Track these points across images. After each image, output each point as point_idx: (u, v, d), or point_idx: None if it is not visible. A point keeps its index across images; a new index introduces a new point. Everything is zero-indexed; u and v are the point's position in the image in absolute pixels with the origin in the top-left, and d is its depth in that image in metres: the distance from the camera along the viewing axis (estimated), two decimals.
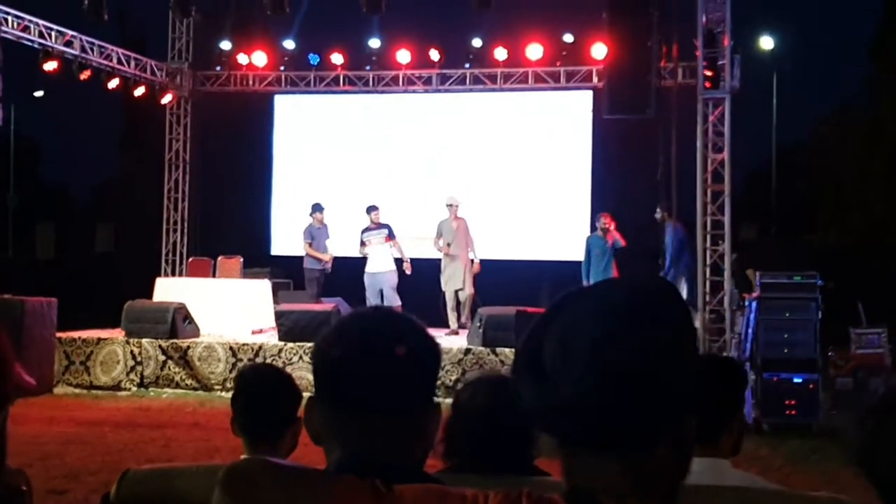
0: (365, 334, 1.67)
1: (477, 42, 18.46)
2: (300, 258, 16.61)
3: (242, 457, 3.24)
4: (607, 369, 1.26)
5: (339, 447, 1.63)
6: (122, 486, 2.82)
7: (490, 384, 2.88)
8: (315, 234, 16.05)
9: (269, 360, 13.43)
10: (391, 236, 15.53)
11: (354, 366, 1.63)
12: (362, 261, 15.81)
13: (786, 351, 11.32)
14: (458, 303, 15.44)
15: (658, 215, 15.02)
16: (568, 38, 18.09)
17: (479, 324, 13.51)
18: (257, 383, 3.31)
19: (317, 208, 16.34)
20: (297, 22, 18.49)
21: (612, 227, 15.20)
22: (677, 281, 14.30)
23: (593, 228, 15.74)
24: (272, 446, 3.17)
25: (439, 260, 15.67)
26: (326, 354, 1.68)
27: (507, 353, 12.75)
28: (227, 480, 1.50)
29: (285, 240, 19.81)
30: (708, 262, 13.72)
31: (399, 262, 15.55)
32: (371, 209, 15.77)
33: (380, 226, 15.60)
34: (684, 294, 13.99)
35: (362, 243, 15.53)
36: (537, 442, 2.77)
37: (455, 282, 15.30)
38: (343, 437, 1.63)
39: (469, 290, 15.38)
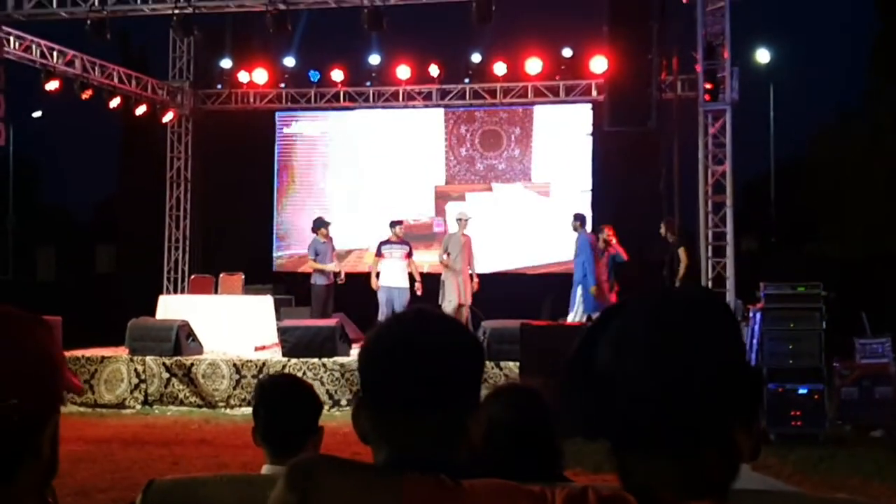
0: (407, 335, 1.70)
1: (476, 57, 18.54)
2: (303, 274, 16.61)
3: (264, 468, 3.25)
4: (662, 376, 1.30)
5: (386, 446, 1.65)
6: (148, 497, 2.83)
7: (519, 395, 2.89)
8: (320, 250, 16.01)
9: None
10: (410, 255, 15.55)
11: (399, 366, 1.66)
12: (365, 276, 15.84)
13: (791, 361, 11.31)
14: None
15: (572, 224, 15.19)
16: (567, 52, 18.17)
17: (482, 337, 13.50)
18: (278, 393, 3.32)
19: (321, 223, 16.32)
20: (298, 39, 18.54)
21: (614, 240, 15.20)
22: (575, 287, 14.75)
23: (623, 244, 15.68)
24: (294, 456, 3.17)
25: (440, 273, 15.70)
26: (371, 356, 1.72)
27: (512, 366, 12.73)
28: (292, 475, 1.51)
29: (287, 256, 19.87)
30: (710, 274, 13.73)
31: (411, 281, 15.58)
32: (395, 224, 15.78)
33: (402, 242, 15.62)
34: (578, 299, 14.59)
35: (379, 254, 15.53)
36: (564, 453, 2.79)
37: (460, 295, 15.29)
38: (390, 436, 1.66)
39: (467, 305, 15.38)
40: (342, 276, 16.09)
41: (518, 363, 12.25)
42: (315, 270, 16.01)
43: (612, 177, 19.06)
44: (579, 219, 15.25)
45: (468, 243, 15.54)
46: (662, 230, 14.84)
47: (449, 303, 15.28)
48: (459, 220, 15.72)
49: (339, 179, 19.78)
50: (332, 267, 15.99)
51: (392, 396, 1.66)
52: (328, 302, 15.98)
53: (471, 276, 15.50)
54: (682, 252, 14.43)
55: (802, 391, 11.12)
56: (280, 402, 3.27)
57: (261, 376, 13.33)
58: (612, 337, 1.36)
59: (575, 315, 14.72)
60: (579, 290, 14.72)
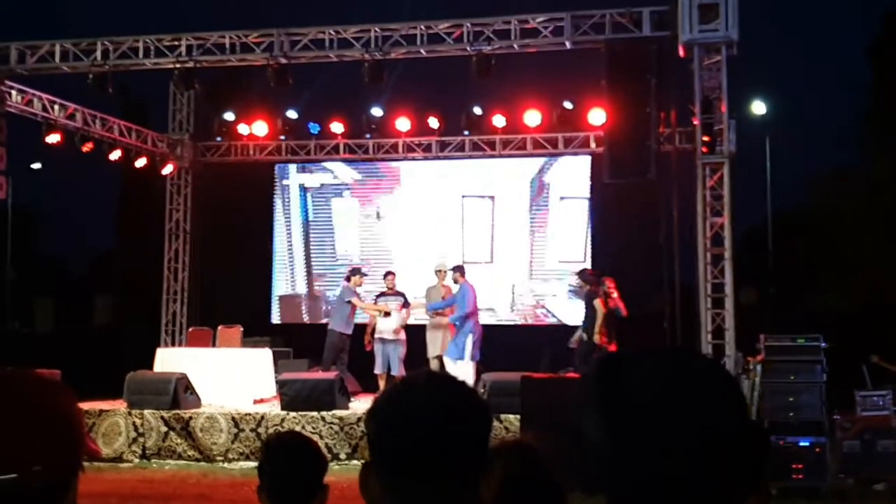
0: (418, 400, 1.71)
1: (476, 110, 18.63)
2: (300, 326, 16.54)
3: None
4: (678, 441, 1.32)
5: None
6: None
7: (522, 450, 2.88)
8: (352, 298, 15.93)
9: (271, 430, 13.38)
10: (406, 305, 15.53)
11: (410, 432, 1.66)
12: (360, 329, 15.82)
13: (791, 414, 11.29)
14: (442, 368, 15.31)
15: (452, 276, 15.44)
16: (566, 104, 18.26)
17: (482, 390, 13.43)
18: (284, 452, 3.31)
19: (355, 272, 16.17)
20: (298, 92, 18.63)
21: (615, 294, 15.15)
22: (464, 337, 14.81)
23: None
24: None
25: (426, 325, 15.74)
26: (381, 421, 1.72)
27: (512, 419, 12.65)
28: None
29: (285, 309, 19.86)
30: (710, 326, 13.68)
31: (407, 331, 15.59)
32: (387, 274, 15.84)
33: (396, 293, 15.62)
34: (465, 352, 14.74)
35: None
36: None
37: (442, 347, 15.25)
38: (401, 501, 1.65)
39: None
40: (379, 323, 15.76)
41: (519, 416, 12.19)
42: (363, 308, 15.78)
43: (610, 228, 19.09)
44: (458, 270, 15.48)
45: (449, 294, 15.56)
46: (576, 281, 15.34)
47: (431, 354, 15.26)
48: (438, 271, 15.79)
49: (339, 231, 19.81)
50: (382, 306, 15.70)
51: (403, 462, 1.65)
52: (341, 354, 15.75)
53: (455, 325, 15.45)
54: (598, 302, 14.75)
55: (804, 444, 11.08)
56: (286, 460, 3.26)
57: (266, 433, 13.29)
58: (623, 397, 1.36)
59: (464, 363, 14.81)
60: (469, 339, 14.85)
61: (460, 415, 1.69)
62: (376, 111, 18.83)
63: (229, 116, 19.68)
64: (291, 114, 19.46)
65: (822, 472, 11.03)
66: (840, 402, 12.21)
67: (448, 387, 1.76)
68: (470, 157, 19.15)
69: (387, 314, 15.52)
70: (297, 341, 17.91)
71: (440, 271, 15.79)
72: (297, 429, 13.23)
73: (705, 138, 13.63)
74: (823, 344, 11.46)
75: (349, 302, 15.71)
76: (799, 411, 11.29)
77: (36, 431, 1.41)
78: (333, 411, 13.59)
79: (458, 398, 1.73)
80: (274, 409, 14.12)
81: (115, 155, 17.88)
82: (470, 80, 15.14)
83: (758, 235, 26.43)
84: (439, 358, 15.22)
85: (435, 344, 15.32)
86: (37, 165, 32.23)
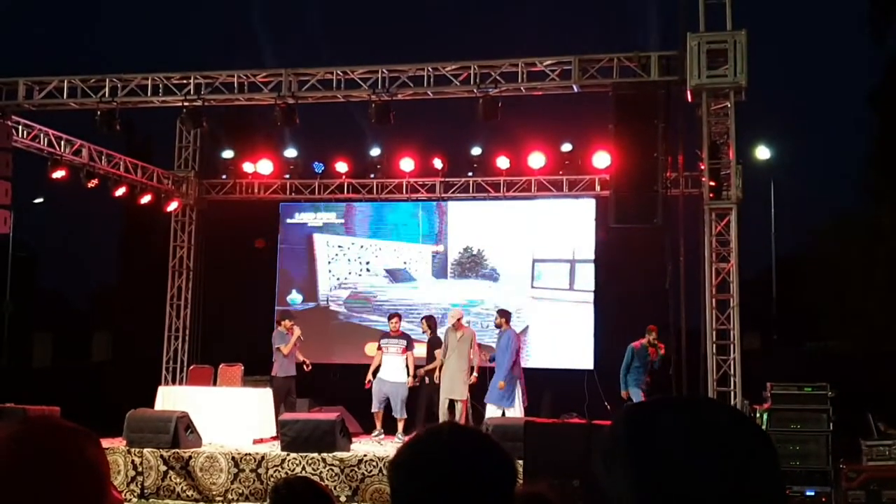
0: (442, 452, 1.72)
1: (478, 150, 18.68)
2: (299, 365, 16.48)
3: None
4: (710, 488, 1.30)
5: None
6: None
7: (532, 501, 2.84)
8: (285, 341, 16.30)
9: (271, 471, 13.28)
10: (408, 349, 15.50)
11: (433, 483, 1.68)
12: (363, 368, 15.80)
13: (797, 463, 11.21)
14: (452, 411, 15.25)
15: (496, 321, 15.54)
16: (569, 147, 18.30)
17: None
18: (293, 497, 3.27)
19: (284, 316, 16.85)
20: (304, 132, 18.70)
21: (662, 348, 15.31)
22: (513, 384, 14.94)
23: (640, 336, 15.65)
24: None
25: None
26: (405, 472, 1.72)
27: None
28: None
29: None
30: (716, 374, 13.58)
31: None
32: (392, 317, 15.89)
33: (400, 336, 15.60)
34: (515, 399, 14.90)
35: (379, 347, 15.58)
36: None
37: (451, 390, 15.18)
38: None
39: (462, 399, 15.22)
40: (307, 363, 16.40)
41: (521, 461, 12.06)
42: (287, 354, 16.17)
43: (615, 271, 19.05)
44: (504, 315, 15.50)
45: (464, 337, 15.52)
46: (423, 326, 16.02)
47: (444, 397, 15.20)
48: (451, 315, 15.78)
49: (341, 269, 19.78)
50: (295, 334, 16.15)
51: None
52: (291, 394, 16.22)
53: (471, 368, 15.38)
54: (437, 353, 15.48)
55: (809, 494, 11.01)
56: None
57: (266, 474, 13.21)
58: (652, 448, 1.35)
59: (515, 410, 14.87)
60: (518, 385, 14.98)
61: (484, 466, 1.71)
62: (376, 151, 18.92)
63: (228, 154, 19.78)
64: (290, 152, 19.52)
65: None
66: (846, 451, 12.13)
67: (471, 439, 1.77)
68: (474, 198, 19.14)
69: (300, 338, 16.13)
70: (297, 381, 17.82)
71: (453, 316, 15.77)
72: (298, 470, 13.15)
73: (712, 184, 13.63)
74: (830, 392, 11.41)
75: (279, 348, 16.14)
76: (805, 460, 11.22)
77: (60, 480, 1.39)
78: (334, 453, 13.48)
79: (482, 450, 1.74)
80: (274, 449, 14.00)
81: (119, 191, 17.90)
82: (472, 120, 15.18)
83: (761, 280, 26.43)
84: (450, 401, 15.14)
85: (445, 386, 15.23)
86: (39, 200, 32.29)
